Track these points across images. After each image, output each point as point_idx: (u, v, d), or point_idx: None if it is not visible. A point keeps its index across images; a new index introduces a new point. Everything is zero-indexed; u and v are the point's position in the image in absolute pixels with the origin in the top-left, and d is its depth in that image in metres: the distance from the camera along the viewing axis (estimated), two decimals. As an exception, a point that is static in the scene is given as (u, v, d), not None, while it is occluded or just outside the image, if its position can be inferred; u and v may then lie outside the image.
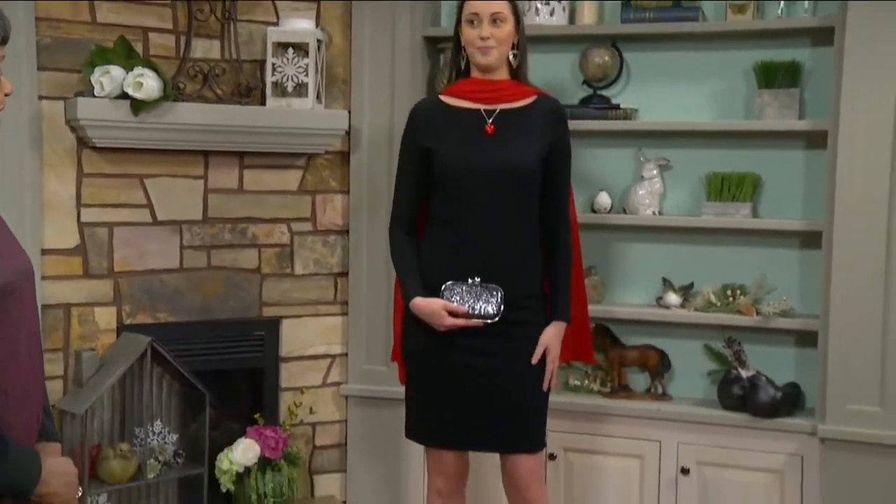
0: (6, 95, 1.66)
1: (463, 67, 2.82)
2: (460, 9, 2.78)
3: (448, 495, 2.88)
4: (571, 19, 3.51)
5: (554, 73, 3.57)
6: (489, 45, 2.72)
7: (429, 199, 2.82)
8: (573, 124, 3.37)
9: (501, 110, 2.77)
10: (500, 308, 2.68)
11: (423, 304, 2.71)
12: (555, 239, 2.82)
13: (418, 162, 2.78)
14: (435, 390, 2.77)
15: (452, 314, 2.68)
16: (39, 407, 1.84)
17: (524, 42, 2.81)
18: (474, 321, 2.67)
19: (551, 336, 2.79)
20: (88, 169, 3.22)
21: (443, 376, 2.75)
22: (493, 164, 2.70)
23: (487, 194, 2.70)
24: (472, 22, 2.73)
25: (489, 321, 2.68)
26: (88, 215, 3.22)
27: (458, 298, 2.69)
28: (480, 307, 2.69)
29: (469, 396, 2.74)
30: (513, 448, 2.80)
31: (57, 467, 1.81)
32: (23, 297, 1.69)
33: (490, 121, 2.75)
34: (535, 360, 2.76)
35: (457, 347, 2.72)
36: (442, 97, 2.85)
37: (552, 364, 2.79)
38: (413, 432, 2.87)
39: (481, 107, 2.77)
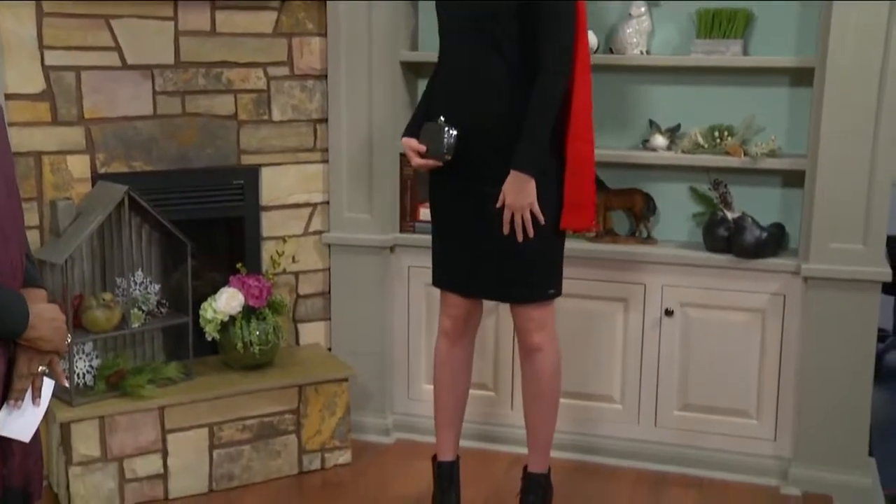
0: None
1: None
2: None
3: (455, 337, 2.91)
4: None
5: None
6: None
7: None
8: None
9: None
10: (449, 146, 2.69)
11: (402, 142, 2.83)
12: (532, 82, 2.64)
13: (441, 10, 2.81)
14: (441, 234, 2.86)
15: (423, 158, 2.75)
16: (22, 251, 1.79)
17: None
18: (432, 161, 2.73)
19: (506, 185, 2.64)
20: (49, 8, 3.04)
21: (446, 220, 2.83)
22: (469, 5, 2.68)
23: (467, 35, 2.71)
24: None
25: (442, 160, 2.71)
26: (53, 58, 3.07)
27: (424, 136, 2.74)
28: (434, 145, 2.71)
29: (466, 242, 2.78)
30: (507, 297, 2.81)
31: (45, 312, 1.77)
32: None
33: None
34: (497, 206, 2.66)
35: (453, 193, 2.77)
36: None
37: (507, 213, 2.65)
38: (432, 274, 2.95)
39: None
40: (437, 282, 2.92)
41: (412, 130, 2.81)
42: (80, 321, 3.00)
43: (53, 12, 3.05)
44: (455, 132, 2.69)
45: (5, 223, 1.71)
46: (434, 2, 2.79)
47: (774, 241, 3.26)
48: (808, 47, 3.23)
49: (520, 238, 2.68)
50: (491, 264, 2.75)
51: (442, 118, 2.70)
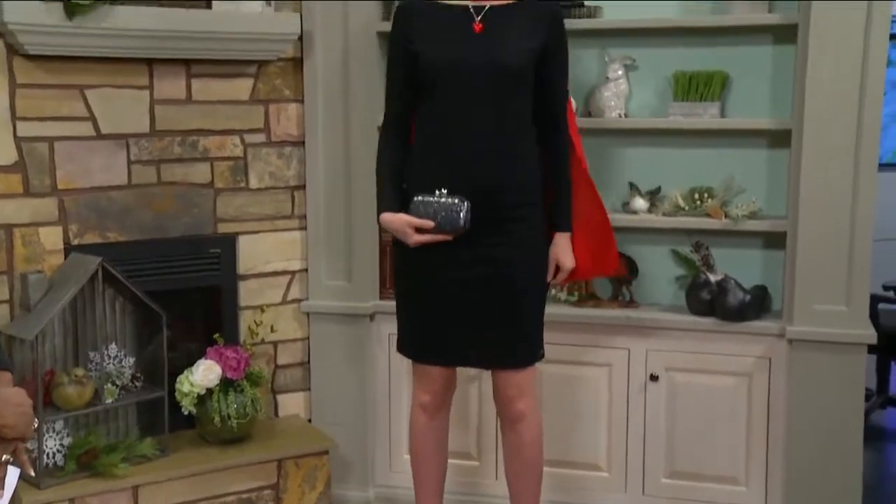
0: None
1: None
2: None
3: (433, 411, 2.84)
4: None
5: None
6: None
7: (416, 103, 2.72)
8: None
9: (493, 7, 2.64)
10: (466, 220, 2.60)
11: (389, 220, 2.68)
12: (550, 145, 2.75)
13: (406, 62, 2.67)
14: (423, 302, 2.73)
15: (421, 231, 2.62)
16: None
17: None
18: (441, 236, 2.61)
19: (562, 249, 2.77)
20: (22, 79, 3.00)
21: (433, 288, 2.70)
22: (483, 63, 2.60)
23: (477, 96, 2.61)
24: None
25: (457, 234, 2.61)
26: (25, 129, 3.02)
27: (422, 211, 2.62)
28: (446, 220, 2.60)
29: (463, 309, 2.68)
30: (501, 364, 2.75)
31: (11, 397, 1.71)
32: None
33: (478, 18, 2.63)
34: (550, 279, 2.78)
35: (446, 259, 2.65)
36: None
37: (563, 276, 2.81)
38: (402, 346, 2.83)
39: (469, 4, 2.63)
40: (414, 355, 2.80)
41: (395, 205, 2.68)
42: (50, 398, 2.91)
43: (27, 83, 3.01)
44: (468, 203, 2.60)
45: None
46: (415, 58, 2.64)
47: (758, 304, 3.23)
48: (784, 108, 3.24)
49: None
50: (493, 329, 2.69)
51: (444, 189, 2.61)
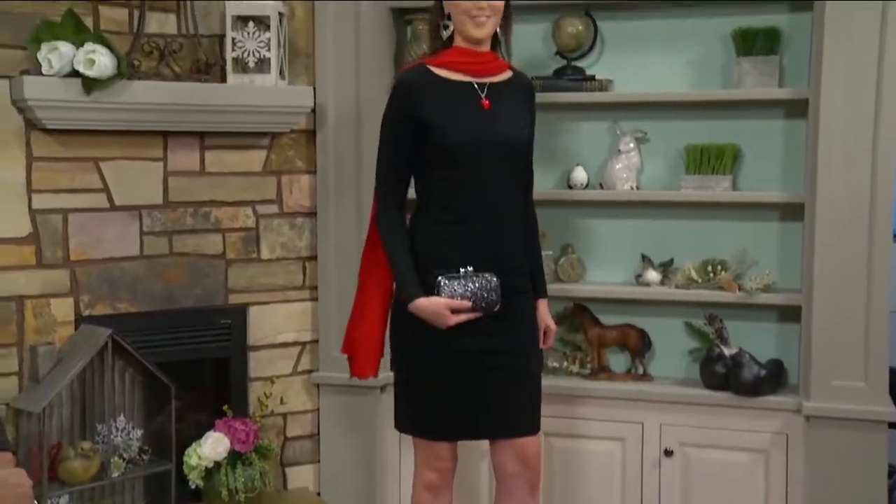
0: None
1: (445, 38, 2.67)
2: None
3: (441, 489, 2.75)
4: (548, -11, 3.38)
5: (525, 44, 3.44)
6: (485, 16, 2.59)
7: (421, 178, 2.67)
8: (547, 97, 3.29)
9: (490, 84, 2.66)
10: (499, 296, 2.58)
11: (427, 305, 2.56)
12: (529, 214, 2.80)
13: (412, 136, 2.60)
14: (436, 380, 2.62)
15: (454, 311, 2.56)
16: None
17: (511, 14, 2.70)
18: (472, 315, 2.57)
19: (545, 313, 2.82)
20: (39, 152, 3.04)
21: (444, 364, 2.61)
22: (498, 140, 2.61)
23: (492, 172, 2.60)
24: None
25: (490, 311, 2.58)
26: (40, 201, 3.05)
27: (458, 291, 2.55)
28: (481, 298, 2.57)
29: (488, 382, 2.62)
30: (526, 430, 2.69)
31: (8, 478, 1.69)
32: None
33: (483, 95, 2.64)
34: (542, 346, 2.79)
35: (459, 335, 2.59)
36: (431, 67, 2.64)
37: (550, 337, 2.84)
38: (408, 426, 2.72)
39: (472, 80, 2.65)
40: (425, 433, 2.70)
41: (421, 289, 2.58)
42: (56, 472, 2.89)
43: (43, 156, 3.05)
44: (497, 279, 2.58)
45: None
46: (427, 133, 2.58)
47: (773, 378, 3.19)
48: (796, 181, 3.23)
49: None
50: (519, 397, 2.66)
51: (470, 268, 2.57)
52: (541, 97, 3.31)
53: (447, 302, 2.55)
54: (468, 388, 2.63)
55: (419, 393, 2.68)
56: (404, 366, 2.72)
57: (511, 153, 2.64)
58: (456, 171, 2.59)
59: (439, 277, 2.56)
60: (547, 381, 3.28)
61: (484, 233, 2.60)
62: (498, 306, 2.58)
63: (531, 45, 3.46)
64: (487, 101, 2.63)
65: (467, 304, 2.55)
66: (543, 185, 3.43)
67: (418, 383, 2.67)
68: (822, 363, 3.04)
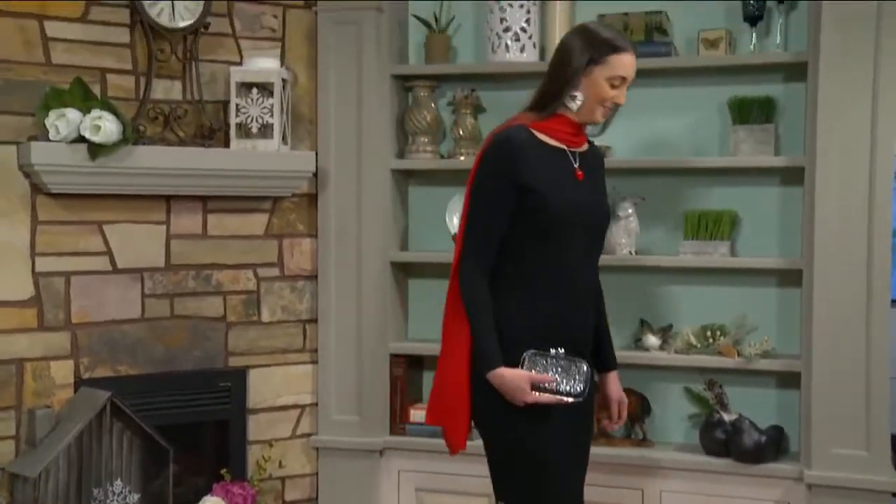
0: None
1: (562, 108, 2.49)
2: (601, 58, 2.43)
3: None
4: (542, 56, 3.43)
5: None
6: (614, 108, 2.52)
7: (510, 246, 2.46)
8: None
9: (580, 153, 2.54)
10: (587, 385, 2.44)
11: (510, 376, 2.36)
12: (599, 285, 2.65)
13: (512, 200, 2.41)
14: (559, 472, 2.44)
15: (536, 388, 2.38)
16: None
17: None
18: (559, 398, 2.39)
19: (618, 386, 2.71)
20: (43, 216, 3.09)
21: (568, 453, 2.47)
22: (592, 212, 2.50)
23: (582, 245, 2.48)
24: (614, 82, 2.45)
25: (575, 401, 2.41)
26: (44, 264, 3.08)
27: (542, 371, 2.40)
28: (567, 384, 2.41)
29: (583, 463, 2.54)
30: None
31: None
32: None
33: (577, 164, 2.51)
34: (616, 421, 2.69)
35: (574, 416, 2.45)
36: (535, 132, 2.47)
37: (625, 414, 2.71)
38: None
39: (566, 147, 2.51)
40: None
41: (501, 358, 2.38)
42: (51, 537, 2.88)
43: (48, 220, 3.09)
44: (588, 368, 2.44)
45: None
46: (529, 198, 2.41)
47: (774, 445, 3.16)
48: (793, 247, 3.24)
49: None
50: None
51: (561, 349, 2.42)
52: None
53: (531, 375, 2.37)
54: (574, 477, 2.51)
55: (547, 494, 2.43)
56: (518, 456, 2.45)
57: (600, 226, 2.55)
58: (550, 242, 2.43)
59: (526, 353, 2.39)
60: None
61: (573, 310, 2.46)
62: (580, 398, 2.41)
63: (531, 111, 3.50)
64: (581, 172, 2.50)
65: (552, 378, 2.38)
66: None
67: (543, 485, 2.43)
68: (823, 430, 3.02)
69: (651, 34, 3.28)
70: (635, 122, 3.41)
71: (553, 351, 2.41)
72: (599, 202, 2.56)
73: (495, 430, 2.47)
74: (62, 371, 3.10)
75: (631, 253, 3.35)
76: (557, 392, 2.39)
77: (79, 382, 3.12)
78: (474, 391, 2.46)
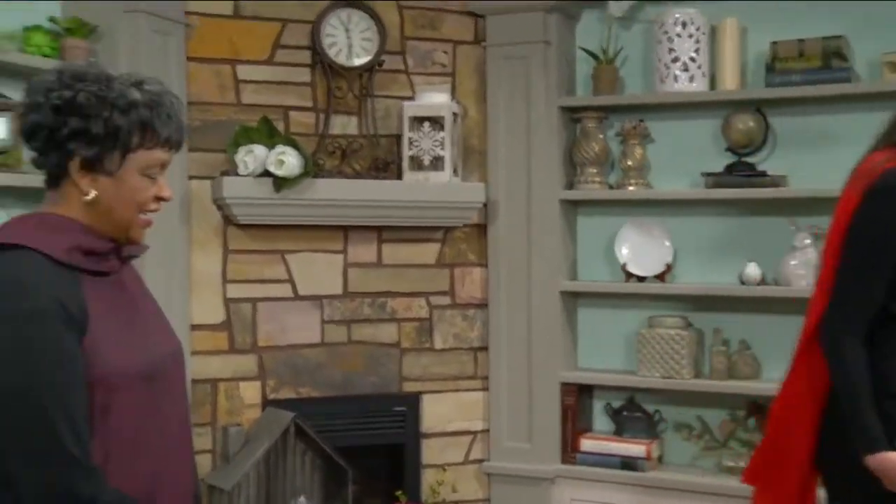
0: (163, 201, 1.65)
1: None
2: None
3: None
4: (712, 85, 3.41)
5: (694, 139, 3.48)
6: None
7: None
8: (716, 192, 3.30)
9: None
10: None
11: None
12: None
13: None
14: None
15: None
16: (190, 490, 1.75)
17: None
18: None
19: None
20: (233, 246, 3.28)
21: None
22: None
23: None
24: None
25: None
26: (234, 291, 3.27)
27: None
28: None
29: None
30: None
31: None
32: (172, 379, 1.67)
33: None
34: None
35: None
36: None
37: None
38: None
39: None
40: None
41: (885, 441, 2.00)
42: (243, 550, 3.02)
43: (237, 249, 3.28)
44: None
45: (177, 464, 1.69)
46: None
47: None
48: None
49: None
50: None
51: None
52: (710, 193, 3.34)
53: None
54: None
55: None
56: None
57: None
58: None
59: None
60: (724, 481, 3.23)
61: None
62: None
63: (700, 139, 3.49)
64: None
65: None
66: (716, 280, 3.42)
67: None
68: None
69: (829, 60, 3.22)
70: (811, 151, 3.33)
71: None
72: None
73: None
74: (250, 391, 3.28)
75: (809, 285, 3.25)
76: None
77: (265, 402, 3.29)
78: (832, 464, 2.16)
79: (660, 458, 3.46)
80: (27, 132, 1.57)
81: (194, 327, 3.19)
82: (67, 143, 1.54)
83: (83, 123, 1.53)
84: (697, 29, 3.37)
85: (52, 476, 1.45)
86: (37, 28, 2.87)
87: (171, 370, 1.68)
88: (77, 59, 2.75)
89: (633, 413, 3.48)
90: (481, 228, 3.60)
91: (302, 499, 3.19)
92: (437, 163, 3.41)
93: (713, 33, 3.41)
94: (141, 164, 1.59)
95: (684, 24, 3.36)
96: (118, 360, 1.54)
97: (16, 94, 2.67)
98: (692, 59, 3.38)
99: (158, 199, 1.64)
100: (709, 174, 3.36)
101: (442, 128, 3.40)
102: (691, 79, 3.40)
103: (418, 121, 3.42)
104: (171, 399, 1.66)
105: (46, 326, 1.46)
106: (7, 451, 1.46)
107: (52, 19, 2.93)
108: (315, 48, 3.37)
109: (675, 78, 3.40)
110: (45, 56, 2.84)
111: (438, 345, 3.56)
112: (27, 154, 2.47)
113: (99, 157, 1.55)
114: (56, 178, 1.59)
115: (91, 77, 1.56)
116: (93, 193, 1.57)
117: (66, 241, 1.55)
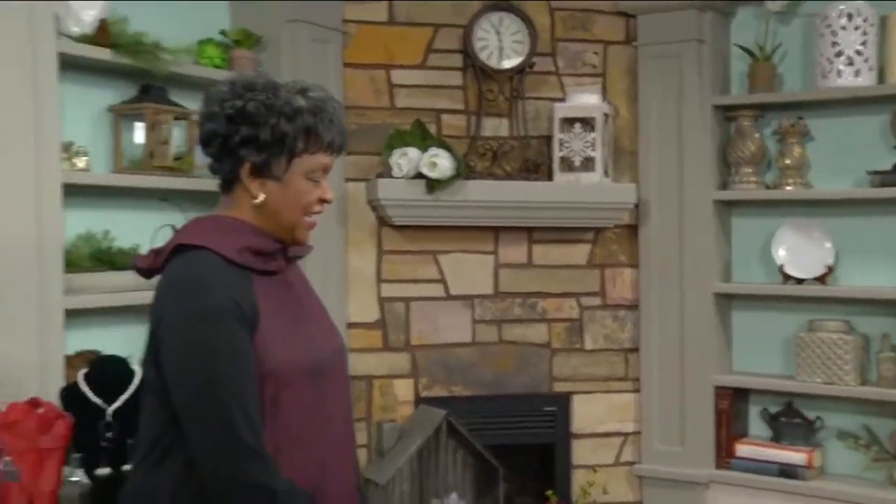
0: (326, 203, 1.71)
1: None
2: None
3: None
4: (881, 79, 3.26)
5: (859, 136, 3.34)
6: None
7: None
8: (884, 192, 3.15)
9: None
10: None
11: None
12: None
13: None
14: None
15: None
16: (353, 483, 1.81)
17: None
18: None
19: None
20: (387, 246, 3.37)
21: None
22: None
23: None
24: None
25: None
26: (388, 290, 3.37)
27: None
28: None
29: None
30: None
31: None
32: (336, 376, 1.73)
33: None
34: None
35: None
36: None
37: None
38: None
39: None
40: None
41: None
42: (396, 542, 3.10)
43: (391, 249, 3.37)
44: None
45: (341, 454, 1.75)
46: None
47: None
48: None
49: None
50: None
51: None
52: (877, 192, 3.20)
53: None
54: None
55: None
56: None
57: None
58: None
59: None
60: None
61: None
62: None
63: (867, 137, 3.34)
64: None
65: None
66: (882, 283, 3.26)
67: None
68: None
69: None
70: None
71: None
72: None
73: None
74: (403, 389, 3.36)
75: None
76: None
77: (418, 400, 3.36)
78: None
79: (821, 468, 3.34)
80: (204, 140, 1.68)
81: (350, 325, 3.30)
82: (239, 150, 1.64)
83: (253, 131, 1.63)
84: (865, 20, 3.23)
85: (231, 465, 1.54)
86: (209, 41, 3.05)
87: (335, 367, 1.75)
88: (244, 69, 2.90)
89: (792, 419, 3.36)
90: (632, 229, 3.57)
91: (454, 495, 3.24)
92: (587, 163, 3.40)
93: (882, 24, 3.25)
94: (306, 168, 1.67)
95: (850, 16, 3.23)
96: (286, 357, 1.62)
97: (190, 103, 2.84)
98: (858, 53, 3.24)
99: (322, 201, 1.72)
100: (876, 172, 3.22)
101: (593, 129, 3.39)
102: (856, 73, 3.26)
103: (569, 122, 3.43)
104: (335, 395, 1.73)
105: (223, 324, 1.56)
106: (190, 441, 1.56)
107: (222, 32, 3.10)
108: (466, 51, 3.42)
109: (839, 73, 3.27)
110: (216, 67, 3.01)
111: (589, 345, 3.55)
112: (199, 159, 2.66)
113: (267, 162, 1.64)
114: (229, 182, 1.69)
115: (260, 86, 1.65)
116: (261, 197, 1.66)
117: (239, 242, 1.64)
